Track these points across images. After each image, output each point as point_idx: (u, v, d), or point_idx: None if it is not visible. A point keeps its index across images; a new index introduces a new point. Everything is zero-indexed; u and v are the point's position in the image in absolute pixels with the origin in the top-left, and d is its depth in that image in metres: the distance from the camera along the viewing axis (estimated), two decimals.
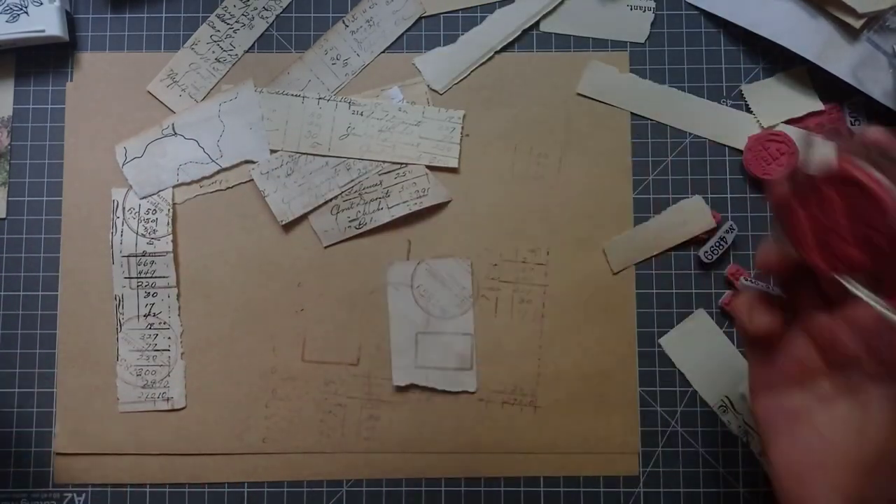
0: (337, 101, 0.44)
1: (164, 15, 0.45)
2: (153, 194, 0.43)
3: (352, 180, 0.43)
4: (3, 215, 0.43)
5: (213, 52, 0.44)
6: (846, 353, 0.27)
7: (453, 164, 0.43)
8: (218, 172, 0.43)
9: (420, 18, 0.45)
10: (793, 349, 0.29)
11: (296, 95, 0.44)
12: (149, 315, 0.43)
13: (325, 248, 0.43)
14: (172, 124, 0.44)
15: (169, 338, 0.42)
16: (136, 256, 0.42)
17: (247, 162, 0.43)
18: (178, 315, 0.43)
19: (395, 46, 0.45)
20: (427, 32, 0.45)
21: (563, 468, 0.42)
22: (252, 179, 0.43)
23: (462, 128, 0.44)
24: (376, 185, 0.43)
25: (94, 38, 0.45)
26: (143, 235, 0.42)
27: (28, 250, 0.43)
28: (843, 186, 0.26)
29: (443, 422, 0.42)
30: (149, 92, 0.44)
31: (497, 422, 0.42)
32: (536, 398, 0.42)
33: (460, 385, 0.42)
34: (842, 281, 0.27)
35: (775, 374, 0.30)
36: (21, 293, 0.43)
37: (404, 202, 0.43)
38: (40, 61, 0.44)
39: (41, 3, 0.43)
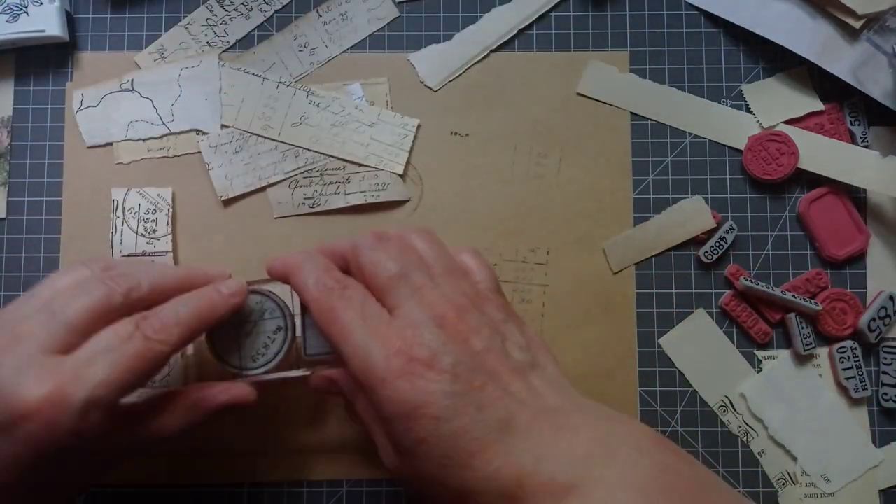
0: (296, 88, 0.44)
1: (164, 15, 0.45)
2: (100, 145, 0.43)
3: (298, 168, 0.43)
4: (3, 215, 0.43)
5: (206, 35, 0.44)
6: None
7: (399, 170, 0.43)
8: (166, 136, 0.43)
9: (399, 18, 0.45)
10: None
11: (256, 75, 0.44)
12: None
13: (276, 218, 0.43)
14: (132, 80, 0.44)
15: None
16: (136, 256, 0.42)
17: (196, 131, 0.43)
18: None
19: (373, 46, 0.44)
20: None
21: None
22: (199, 152, 0.43)
23: (414, 137, 0.43)
24: (339, 168, 0.43)
25: (94, 38, 0.45)
26: (143, 235, 0.42)
27: (28, 250, 0.43)
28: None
29: None
30: (134, 61, 0.44)
31: None
32: None
33: None
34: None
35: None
36: (21, 293, 0.43)
37: (362, 192, 0.43)
38: (40, 61, 0.44)
39: (41, 3, 0.43)
